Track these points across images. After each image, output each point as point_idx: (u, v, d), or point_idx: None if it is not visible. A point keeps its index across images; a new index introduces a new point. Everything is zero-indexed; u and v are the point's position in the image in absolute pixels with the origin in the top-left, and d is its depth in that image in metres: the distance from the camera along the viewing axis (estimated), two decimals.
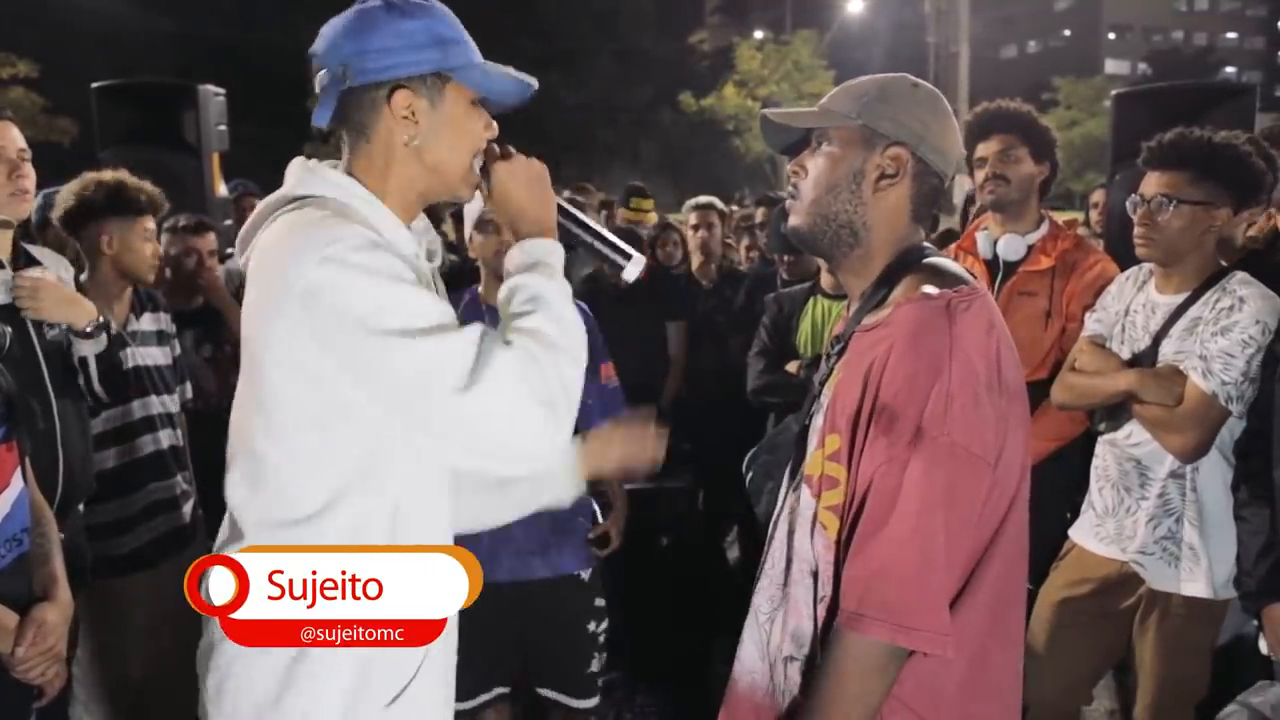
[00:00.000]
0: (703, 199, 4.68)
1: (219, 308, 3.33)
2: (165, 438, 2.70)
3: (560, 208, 1.42)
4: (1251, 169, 2.22)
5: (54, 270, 2.33)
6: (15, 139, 2.16)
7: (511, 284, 1.29)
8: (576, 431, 2.60)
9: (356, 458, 1.25)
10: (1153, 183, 2.26)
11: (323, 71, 1.30)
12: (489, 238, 2.38)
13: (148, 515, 2.63)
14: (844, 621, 1.24)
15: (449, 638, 1.41)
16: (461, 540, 2.46)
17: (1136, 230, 2.29)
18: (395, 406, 1.20)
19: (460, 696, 2.55)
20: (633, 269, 1.44)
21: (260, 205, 1.34)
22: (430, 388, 1.17)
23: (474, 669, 2.50)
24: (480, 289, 2.51)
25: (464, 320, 1.26)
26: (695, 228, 4.53)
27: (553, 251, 1.34)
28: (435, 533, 1.39)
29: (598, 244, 1.45)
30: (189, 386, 2.92)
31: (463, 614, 2.64)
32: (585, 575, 2.55)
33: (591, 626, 2.55)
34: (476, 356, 1.17)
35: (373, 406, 1.20)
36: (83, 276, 2.65)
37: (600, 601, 2.57)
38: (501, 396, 1.17)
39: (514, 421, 1.18)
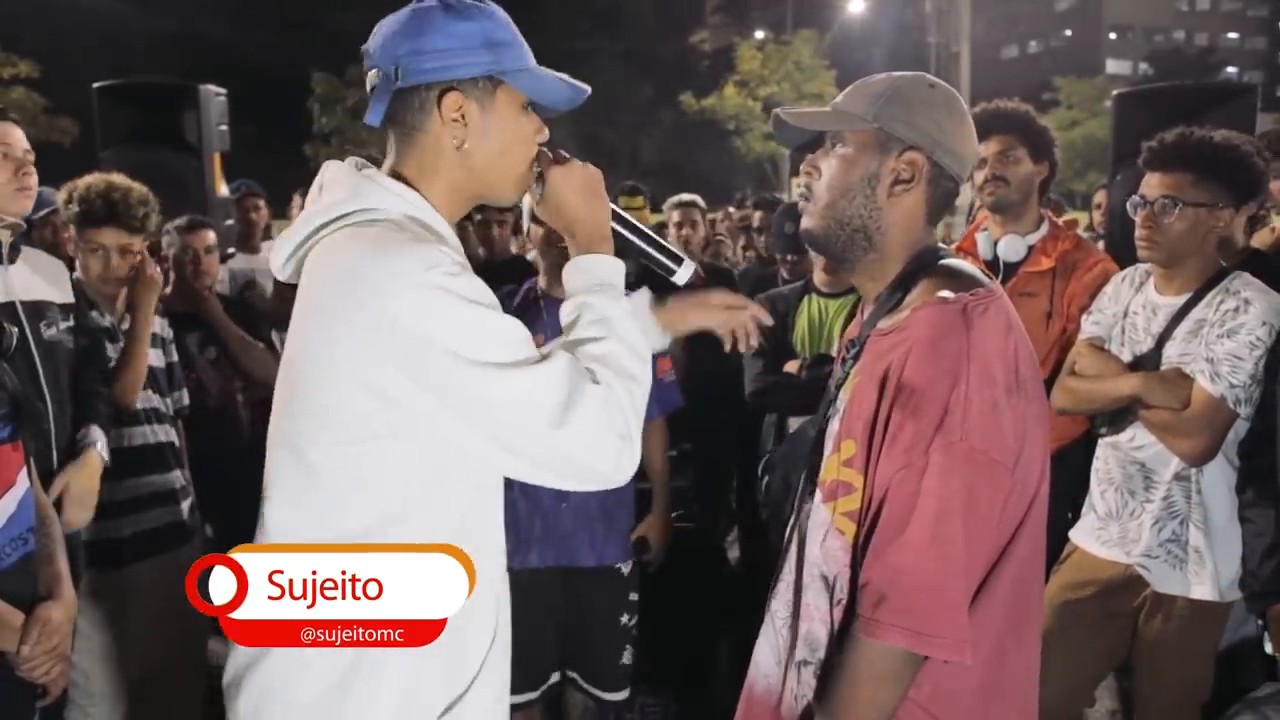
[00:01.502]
0: (685, 196, 4.66)
1: (209, 318, 3.29)
2: (160, 433, 2.71)
3: (612, 212, 1.41)
4: (1253, 169, 2.22)
5: (45, 270, 2.35)
6: (21, 139, 2.19)
7: (577, 303, 1.30)
8: None
9: (420, 481, 1.24)
10: (1155, 184, 2.25)
11: (374, 70, 1.28)
12: (542, 225, 2.40)
13: (141, 506, 2.63)
14: (861, 627, 1.24)
15: (504, 642, 1.40)
16: (511, 524, 2.51)
17: (1139, 232, 2.27)
18: (483, 434, 1.19)
19: (514, 690, 2.60)
20: (684, 273, 1.47)
21: (309, 213, 1.30)
22: (524, 422, 1.18)
23: (529, 662, 2.55)
24: (540, 281, 2.55)
25: (519, 313, 1.25)
26: (679, 225, 4.53)
27: (616, 270, 1.34)
28: (488, 561, 1.36)
29: (649, 248, 1.46)
30: (185, 394, 2.92)
31: (516, 608, 2.67)
32: (625, 569, 2.60)
33: (624, 619, 2.61)
34: (568, 392, 1.18)
35: (458, 426, 1.19)
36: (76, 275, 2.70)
37: (634, 596, 2.62)
38: (588, 432, 1.19)
39: (597, 453, 1.21)
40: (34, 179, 2.21)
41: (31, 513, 1.77)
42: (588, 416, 1.19)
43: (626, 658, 2.62)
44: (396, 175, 1.31)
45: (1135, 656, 2.39)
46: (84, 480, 2.20)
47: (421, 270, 1.16)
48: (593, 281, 1.31)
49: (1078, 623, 2.41)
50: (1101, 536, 2.40)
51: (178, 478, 2.74)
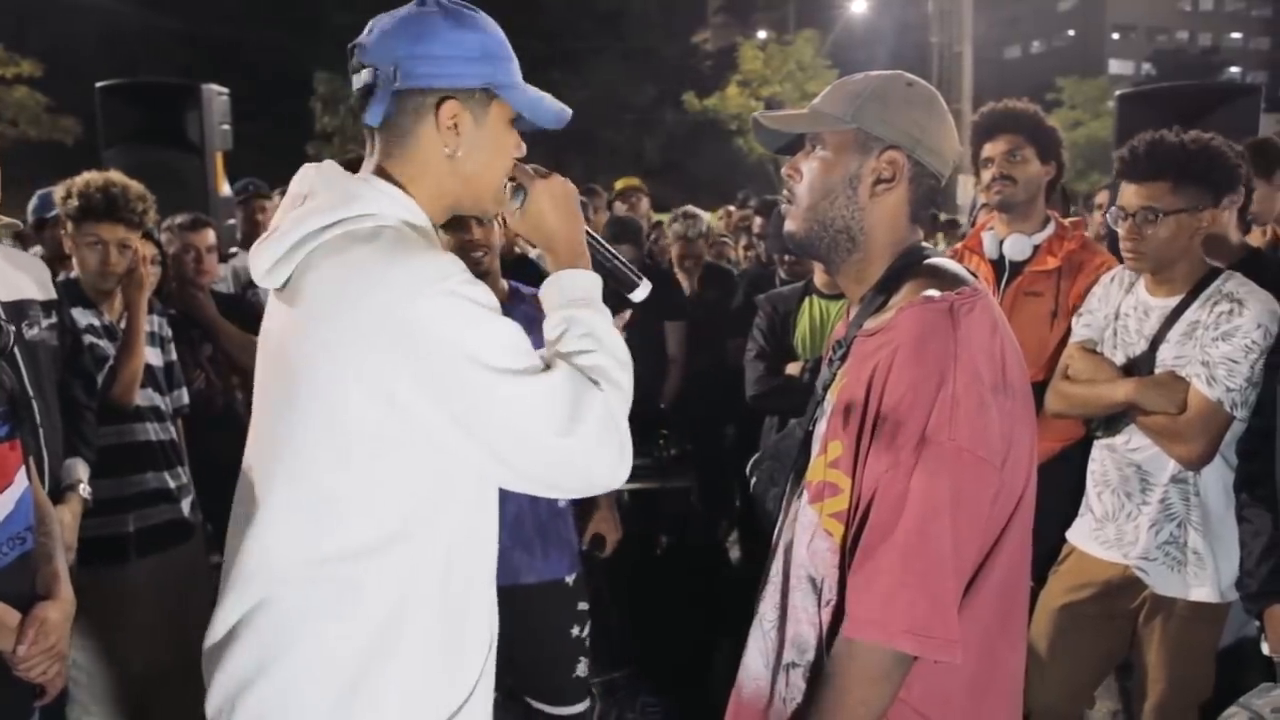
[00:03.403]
0: (692, 230, 4.59)
1: (201, 317, 3.29)
2: (159, 430, 2.72)
3: None
4: (1227, 164, 2.21)
5: (25, 267, 2.31)
6: None
7: (564, 316, 1.30)
8: None
9: (423, 492, 1.24)
10: (1132, 195, 2.24)
11: (368, 69, 1.27)
12: (454, 236, 2.38)
13: (142, 502, 2.63)
14: (850, 628, 1.23)
15: (492, 657, 1.40)
16: None
17: (1124, 244, 2.27)
18: (488, 441, 1.20)
19: None
20: (641, 291, 1.47)
21: (298, 217, 1.25)
22: (532, 429, 1.18)
23: None
24: None
25: None
26: (682, 256, 4.51)
27: (596, 285, 1.35)
28: (484, 573, 1.38)
29: (609, 264, 1.46)
30: (185, 393, 2.92)
31: None
32: (570, 580, 2.53)
33: (575, 631, 2.52)
34: (575, 399, 1.19)
35: (463, 441, 1.20)
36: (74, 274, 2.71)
37: (584, 605, 2.54)
38: (592, 439, 1.20)
39: (599, 461, 1.22)
40: None
41: (30, 511, 1.76)
42: (593, 424, 1.20)
43: (581, 670, 2.53)
44: (384, 176, 1.30)
45: (1135, 657, 2.39)
46: (67, 522, 2.17)
47: (439, 279, 1.17)
48: (576, 295, 1.32)
49: (1077, 624, 2.41)
50: (1099, 537, 2.39)
51: (178, 475, 2.75)
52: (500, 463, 1.21)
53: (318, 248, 1.23)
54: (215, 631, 1.29)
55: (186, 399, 2.92)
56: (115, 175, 2.68)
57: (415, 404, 1.17)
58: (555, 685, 2.53)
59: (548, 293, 1.34)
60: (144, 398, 2.68)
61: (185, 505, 2.75)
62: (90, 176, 2.65)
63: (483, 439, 1.19)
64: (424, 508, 1.25)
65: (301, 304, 1.23)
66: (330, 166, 1.33)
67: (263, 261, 1.27)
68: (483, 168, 1.33)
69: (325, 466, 1.22)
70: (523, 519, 2.44)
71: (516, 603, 2.44)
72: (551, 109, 1.36)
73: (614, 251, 1.48)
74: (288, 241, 1.25)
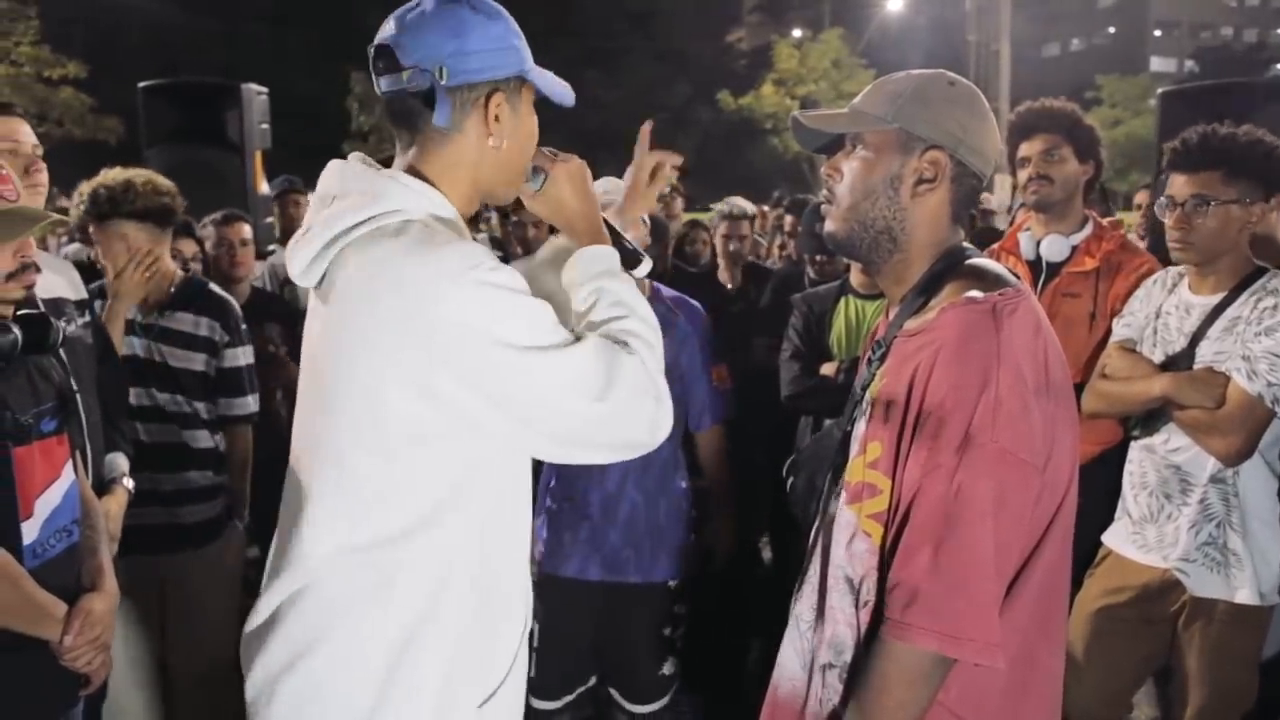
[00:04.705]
0: (735, 209, 4.56)
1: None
2: (168, 433, 2.68)
3: None
4: None
5: (57, 268, 2.31)
6: (29, 135, 2.16)
7: (593, 288, 1.34)
8: (689, 431, 2.59)
9: (457, 478, 1.27)
10: (1183, 184, 2.23)
11: (410, 70, 1.26)
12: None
13: (144, 501, 2.55)
14: (890, 630, 1.23)
15: (525, 640, 1.43)
16: (557, 534, 2.48)
17: (1171, 234, 2.26)
18: (528, 419, 1.24)
19: (546, 695, 2.57)
20: (643, 269, 1.51)
21: (330, 216, 1.27)
22: (572, 399, 1.22)
23: (562, 668, 2.56)
24: None
25: None
26: (726, 237, 4.47)
27: (616, 257, 1.39)
28: (518, 556, 1.40)
29: (616, 243, 1.49)
30: (240, 401, 2.83)
31: (553, 613, 2.63)
32: (673, 584, 2.56)
33: (667, 632, 2.58)
34: (608, 364, 1.24)
35: (503, 422, 1.24)
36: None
37: (681, 609, 2.58)
38: (631, 398, 1.25)
39: (641, 419, 1.27)
40: (44, 175, 2.18)
41: (77, 505, 1.81)
42: (627, 386, 1.25)
43: (667, 669, 2.58)
44: (415, 173, 1.31)
45: (1175, 663, 2.36)
46: (113, 513, 2.18)
47: (466, 269, 1.19)
48: (601, 268, 1.36)
49: (1115, 628, 2.38)
50: (1137, 541, 2.36)
51: (192, 479, 2.70)
52: (542, 436, 1.26)
53: (348, 245, 1.26)
54: (257, 618, 1.32)
55: (242, 410, 2.83)
56: (107, 175, 2.66)
57: (455, 395, 1.20)
58: (639, 682, 2.58)
59: (571, 268, 1.38)
60: (144, 397, 2.65)
61: (203, 508, 2.71)
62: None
63: (523, 417, 1.23)
64: (457, 494, 1.27)
65: (335, 302, 1.26)
66: (355, 163, 1.33)
67: (298, 261, 1.30)
68: (516, 153, 1.36)
69: (366, 460, 1.24)
70: (636, 520, 2.48)
71: (617, 599, 2.52)
72: (562, 88, 1.40)
73: (619, 231, 1.52)
74: (320, 241, 1.27)
